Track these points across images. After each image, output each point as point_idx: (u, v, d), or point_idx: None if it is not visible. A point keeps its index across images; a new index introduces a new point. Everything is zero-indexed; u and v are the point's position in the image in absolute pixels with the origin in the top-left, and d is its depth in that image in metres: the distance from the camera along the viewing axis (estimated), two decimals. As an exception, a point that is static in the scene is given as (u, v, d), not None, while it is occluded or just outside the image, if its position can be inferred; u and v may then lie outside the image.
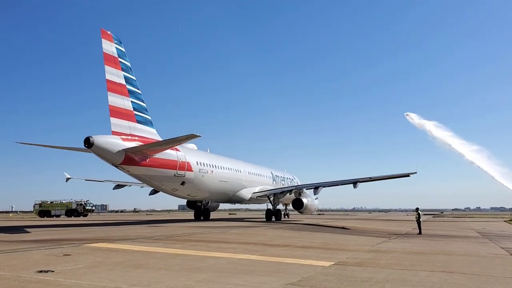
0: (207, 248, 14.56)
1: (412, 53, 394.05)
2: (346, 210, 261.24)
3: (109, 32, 31.44)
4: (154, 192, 44.92)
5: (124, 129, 30.51)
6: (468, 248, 18.70)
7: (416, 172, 39.53)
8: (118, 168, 30.63)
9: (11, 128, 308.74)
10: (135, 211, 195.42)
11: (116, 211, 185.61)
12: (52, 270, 9.07)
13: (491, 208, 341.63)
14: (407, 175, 40.50)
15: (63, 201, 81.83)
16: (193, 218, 47.12)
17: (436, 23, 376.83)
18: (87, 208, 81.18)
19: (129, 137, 30.48)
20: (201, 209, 47.03)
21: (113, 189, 49.87)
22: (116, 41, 31.81)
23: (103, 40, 30.64)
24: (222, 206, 54.65)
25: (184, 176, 34.98)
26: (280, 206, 50.67)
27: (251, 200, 47.98)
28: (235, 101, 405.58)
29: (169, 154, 33.33)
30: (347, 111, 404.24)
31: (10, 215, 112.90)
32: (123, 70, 31.78)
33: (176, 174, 34.18)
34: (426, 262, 13.03)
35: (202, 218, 46.64)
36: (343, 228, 33.87)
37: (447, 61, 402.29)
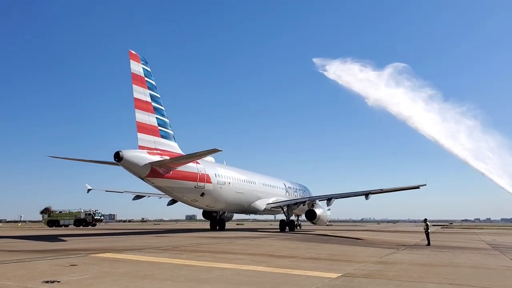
0: (213, 259, 14.15)
1: (426, 62, 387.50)
2: (355, 221, 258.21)
3: (135, 53, 32.67)
4: (172, 202, 45.62)
5: (150, 144, 31.78)
6: (477, 260, 17.83)
7: (425, 184, 39.27)
8: (143, 180, 31.62)
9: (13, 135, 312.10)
10: (142, 220, 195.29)
11: (124, 221, 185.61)
12: (58, 280, 8.81)
13: (502, 219, 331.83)
14: (417, 187, 40.39)
15: (72, 211, 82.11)
16: (209, 228, 47.09)
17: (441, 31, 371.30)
18: (95, 217, 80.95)
19: (154, 151, 31.60)
20: (216, 220, 47.09)
21: (133, 199, 50.74)
22: (142, 62, 33.19)
23: (131, 61, 31.96)
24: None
25: (203, 187, 35.87)
26: (292, 217, 50.70)
27: (265, 211, 47.96)
28: (248, 112, 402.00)
29: (190, 167, 34.33)
30: (356, 125, 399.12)
31: (19, 224, 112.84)
32: (149, 88, 33.16)
33: (197, 186, 35.11)
34: (434, 274, 12.42)
35: (217, 228, 46.70)
36: (354, 239, 33.30)
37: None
